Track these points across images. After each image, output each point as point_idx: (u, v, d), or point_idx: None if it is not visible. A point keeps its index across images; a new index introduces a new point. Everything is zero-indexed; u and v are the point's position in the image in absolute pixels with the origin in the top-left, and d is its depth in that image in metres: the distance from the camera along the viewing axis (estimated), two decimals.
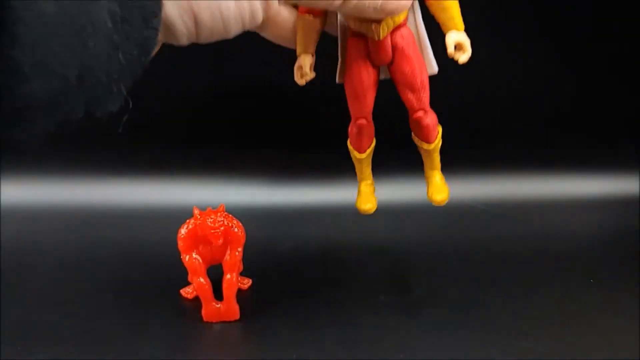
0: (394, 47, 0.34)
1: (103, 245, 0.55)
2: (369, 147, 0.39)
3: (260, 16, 0.23)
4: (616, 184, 0.65)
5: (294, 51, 0.35)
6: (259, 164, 0.64)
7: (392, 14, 0.30)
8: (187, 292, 0.47)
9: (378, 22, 0.33)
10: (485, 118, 0.64)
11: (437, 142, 0.39)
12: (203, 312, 0.43)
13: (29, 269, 0.51)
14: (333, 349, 0.40)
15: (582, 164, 0.66)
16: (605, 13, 0.60)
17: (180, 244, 0.43)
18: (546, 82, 0.64)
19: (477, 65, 0.61)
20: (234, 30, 0.22)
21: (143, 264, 0.52)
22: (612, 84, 0.64)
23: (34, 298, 0.47)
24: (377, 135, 0.39)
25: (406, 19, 0.35)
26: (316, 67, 0.36)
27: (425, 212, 0.61)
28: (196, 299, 0.45)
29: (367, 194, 0.40)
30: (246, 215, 0.47)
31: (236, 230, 0.43)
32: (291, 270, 0.47)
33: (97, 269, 0.51)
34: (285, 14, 0.32)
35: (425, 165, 0.40)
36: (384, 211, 0.52)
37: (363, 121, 0.37)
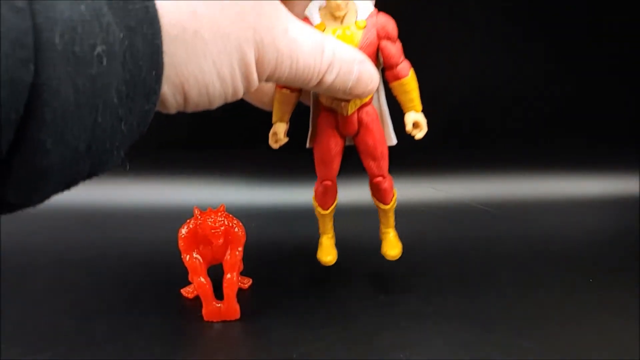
0: (360, 122, 0.39)
1: (103, 245, 0.55)
2: (332, 205, 0.43)
3: (241, 93, 0.27)
4: (616, 184, 0.65)
5: None
6: (259, 164, 0.64)
7: (359, 97, 0.34)
8: (187, 291, 0.47)
9: (347, 100, 0.37)
10: (485, 118, 0.64)
11: (393, 204, 0.43)
12: (203, 311, 0.44)
13: (29, 269, 0.51)
14: (333, 348, 0.40)
15: (582, 164, 0.66)
16: (605, 13, 0.60)
17: (180, 243, 0.43)
18: (546, 82, 0.64)
19: (477, 66, 0.62)
20: (218, 103, 0.26)
21: (143, 264, 0.52)
22: (612, 84, 0.64)
23: (35, 298, 0.47)
24: None
25: (372, 98, 0.39)
26: None
27: (425, 212, 0.62)
28: (197, 299, 0.45)
29: (328, 246, 0.44)
30: (246, 215, 0.47)
31: (236, 230, 0.43)
32: (291, 270, 0.47)
33: (97, 268, 0.51)
34: (265, 86, 0.37)
35: (381, 223, 0.44)
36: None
37: (329, 182, 0.41)
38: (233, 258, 0.43)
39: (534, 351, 0.40)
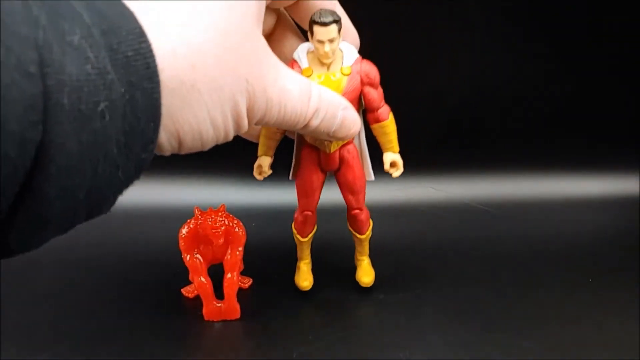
0: (341, 159, 0.42)
1: (104, 245, 0.55)
2: (310, 233, 0.46)
3: (232, 136, 0.28)
4: (616, 184, 0.65)
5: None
6: None
7: (341, 140, 0.37)
8: (188, 291, 0.47)
9: (330, 140, 0.39)
10: (485, 118, 0.64)
11: (368, 234, 0.46)
12: (204, 311, 0.44)
13: (29, 268, 0.51)
14: (333, 348, 0.40)
15: (582, 164, 0.66)
16: (605, 13, 0.60)
17: (181, 243, 0.43)
18: (546, 82, 0.64)
19: (478, 65, 0.62)
20: (210, 146, 0.27)
21: (144, 264, 0.52)
22: (612, 84, 0.64)
23: (35, 298, 0.47)
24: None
25: (353, 137, 0.40)
26: None
27: (425, 212, 0.62)
28: (197, 298, 0.45)
29: (305, 272, 0.47)
30: (246, 215, 0.47)
31: (237, 229, 0.43)
32: (291, 270, 0.47)
33: (97, 268, 0.51)
34: (253, 130, 0.39)
35: (356, 251, 0.47)
36: (384, 211, 0.52)
37: (309, 213, 0.44)
38: (233, 258, 0.43)
39: (534, 351, 0.40)
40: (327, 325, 0.43)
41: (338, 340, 0.41)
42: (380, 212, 0.46)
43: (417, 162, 0.43)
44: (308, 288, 0.46)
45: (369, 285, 0.46)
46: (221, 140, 0.27)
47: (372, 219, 0.46)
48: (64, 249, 0.53)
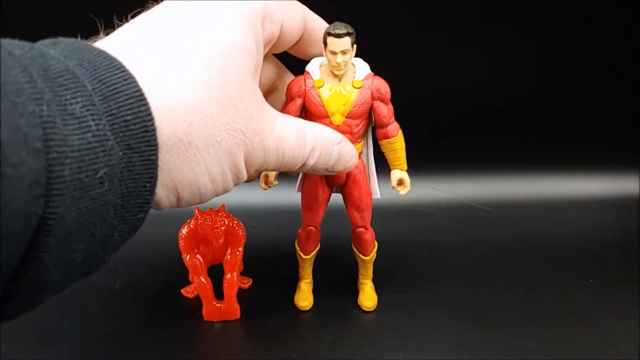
0: (348, 174, 0.41)
1: None
2: (313, 251, 0.45)
3: (231, 188, 0.28)
4: (616, 184, 0.65)
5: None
6: None
7: (340, 173, 0.36)
8: (188, 291, 0.47)
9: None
10: (486, 118, 0.64)
11: (372, 256, 0.45)
12: (204, 311, 0.44)
13: None
14: (333, 348, 0.40)
15: (582, 164, 0.66)
16: (605, 13, 0.60)
17: (181, 243, 0.43)
18: (546, 82, 0.64)
19: (478, 65, 0.62)
20: (209, 199, 0.27)
21: (144, 264, 0.52)
22: (612, 84, 0.64)
23: None
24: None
25: (361, 152, 0.41)
26: None
27: (425, 212, 0.62)
28: (197, 299, 0.45)
29: (305, 292, 0.46)
30: (246, 215, 0.47)
31: (237, 230, 0.43)
32: (291, 270, 0.47)
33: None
34: (255, 175, 0.37)
35: (360, 273, 0.46)
36: (384, 211, 0.52)
37: (312, 228, 0.43)
38: (233, 258, 0.43)
39: (534, 351, 0.40)
40: (327, 325, 0.43)
41: (338, 340, 0.41)
42: (380, 212, 0.46)
43: (417, 162, 0.42)
44: (307, 308, 0.45)
45: (371, 310, 0.45)
46: (220, 193, 0.27)
47: (371, 220, 0.46)
48: None
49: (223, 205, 0.43)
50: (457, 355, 0.39)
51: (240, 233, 0.43)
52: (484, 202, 0.63)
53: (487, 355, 0.39)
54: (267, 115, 0.28)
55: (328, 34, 0.36)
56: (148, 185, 0.22)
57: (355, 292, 0.46)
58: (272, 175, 0.41)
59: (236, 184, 0.28)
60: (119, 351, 0.40)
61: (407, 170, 0.41)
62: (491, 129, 0.65)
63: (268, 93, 0.39)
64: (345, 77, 0.38)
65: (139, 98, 0.21)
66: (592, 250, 0.55)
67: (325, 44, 0.36)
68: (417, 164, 0.43)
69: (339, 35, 0.36)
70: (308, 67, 0.39)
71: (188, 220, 0.43)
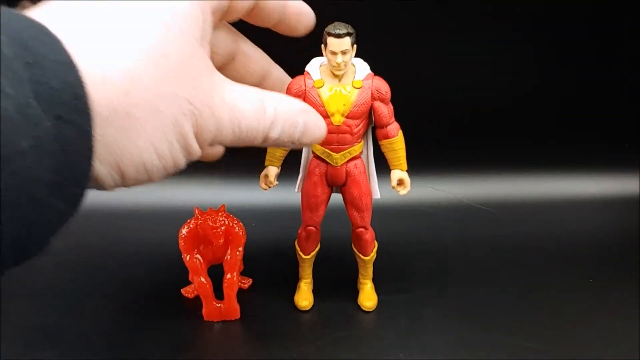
0: (348, 174, 0.41)
1: (103, 245, 0.55)
2: (313, 251, 0.45)
3: (183, 164, 0.26)
4: (616, 184, 0.65)
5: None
6: (259, 164, 0.64)
7: (308, 145, 0.34)
8: (187, 291, 0.47)
9: (337, 152, 0.40)
10: (486, 118, 0.64)
11: (372, 256, 0.45)
12: (204, 311, 0.44)
13: (29, 269, 0.51)
14: (333, 348, 0.40)
15: (582, 164, 0.66)
16: (605, 13, 0.60)
17: (181, 243, 0.43)
18: (546, 82, 0.64)
19: (478, 66, 0.62)
20: (158, 177, 0.26)
21: (144, 264, 0.52)
22: (612, 84, 0.64)
23: (35, 298, 0.47)
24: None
25: (361, 152, 0.41)
26: None
27: (426, 212, 0.62)
28: (197, 299, 0.45)
29: (305, 291, 0.46)
30: (246, 216, 0.47)
31: (237, 230, 0.43)
32: (291, 270, 0.47)
33: (97, 268, 0.51)
34: (211, 150, 0.35)
35: (360, 273, 0.46)
36: (384, 211, 0.52)
37: (312, 228, 0.43)
38: (233, 258, 0.43)
39: (534, 351, 0.40)
40: (327, 325, 0.43)
41: (338, 340, 0.41)
42: (380, 212, 0.46)
43: (417, 162, 0.42)
44: (307, 308, 0.45)
45: (371, 310, 0.45)
46: (171, 170, 0.26)
47: (371, 220, 0.46)
48: (64, 249, 0.53)
49: (223, 205, 0.43)
50: (457, 355, 0.39)
51: (240, 233, 0.43)
52: (484, 202, 0.63)
53: (487, 355, 0.39)
54: (218, 85, 0.26)
55: (328, 34, 0.36)
56: (84, 158, 0.21)
57: (355, 292, 0.46)
58: (273, 174, 0.41)
59: (189, 160, 0.26)
60: (118, 351, 0.40)
61: (407, 170, 0.41)
62: (491, 129, 0.65)
63: (227, 63, 0.36)
64: (345, 77, 0.38)
65: (66, 63, 0.20)
66: (592, 250, 0.55)
67: (325, 44, 0.36)
68: (417, 164, 0.43)
69: (339, 36, 0.36)
70: (308, 67, 0.39)
71: (188, 220, 0.43)
